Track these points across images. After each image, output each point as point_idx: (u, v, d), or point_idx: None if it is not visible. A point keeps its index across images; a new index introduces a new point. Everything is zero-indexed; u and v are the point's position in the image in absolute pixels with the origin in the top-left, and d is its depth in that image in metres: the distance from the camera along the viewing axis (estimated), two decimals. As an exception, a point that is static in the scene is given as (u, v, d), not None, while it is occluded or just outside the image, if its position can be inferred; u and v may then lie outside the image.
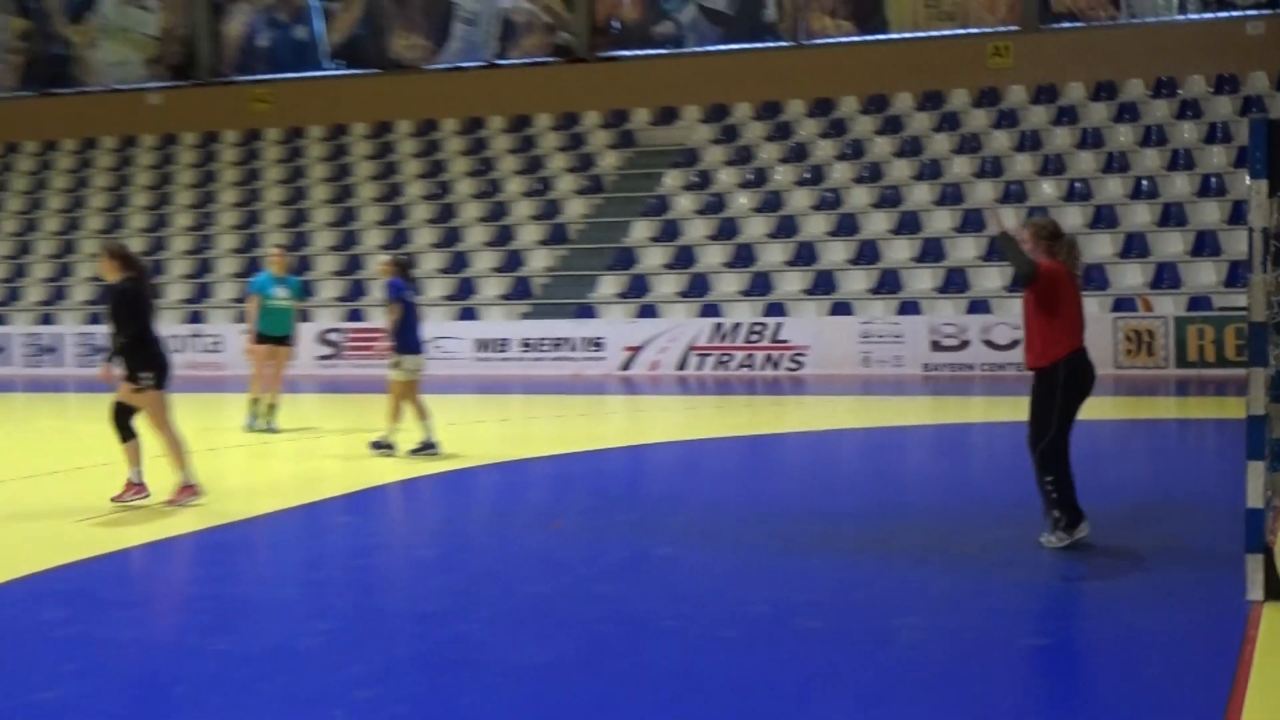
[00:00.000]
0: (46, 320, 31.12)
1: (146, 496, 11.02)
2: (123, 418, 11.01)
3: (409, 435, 14.03)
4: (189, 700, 6.51)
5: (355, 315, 28.17)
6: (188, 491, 11.04)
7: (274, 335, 16.82)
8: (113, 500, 10.98)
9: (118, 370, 10.83)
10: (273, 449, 15.53)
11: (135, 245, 32.33)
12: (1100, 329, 22.89)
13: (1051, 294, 8.58)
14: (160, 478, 11.17)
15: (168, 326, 28.70)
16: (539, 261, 29.36)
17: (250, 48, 36.98)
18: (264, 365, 16.89)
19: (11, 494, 11.64)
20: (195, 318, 29.80)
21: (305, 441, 16.08)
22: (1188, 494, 11.56)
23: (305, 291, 17.65)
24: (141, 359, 10.82)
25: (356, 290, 29.18)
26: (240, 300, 26.53)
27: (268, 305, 16.80)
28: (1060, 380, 8.61)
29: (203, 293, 30.87)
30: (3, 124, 38.17)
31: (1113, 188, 27.31)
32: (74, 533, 10.39)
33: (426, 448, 13.81)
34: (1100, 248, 25.77)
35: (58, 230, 34.49)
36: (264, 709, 6.30)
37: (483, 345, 26.70)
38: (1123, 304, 24.35)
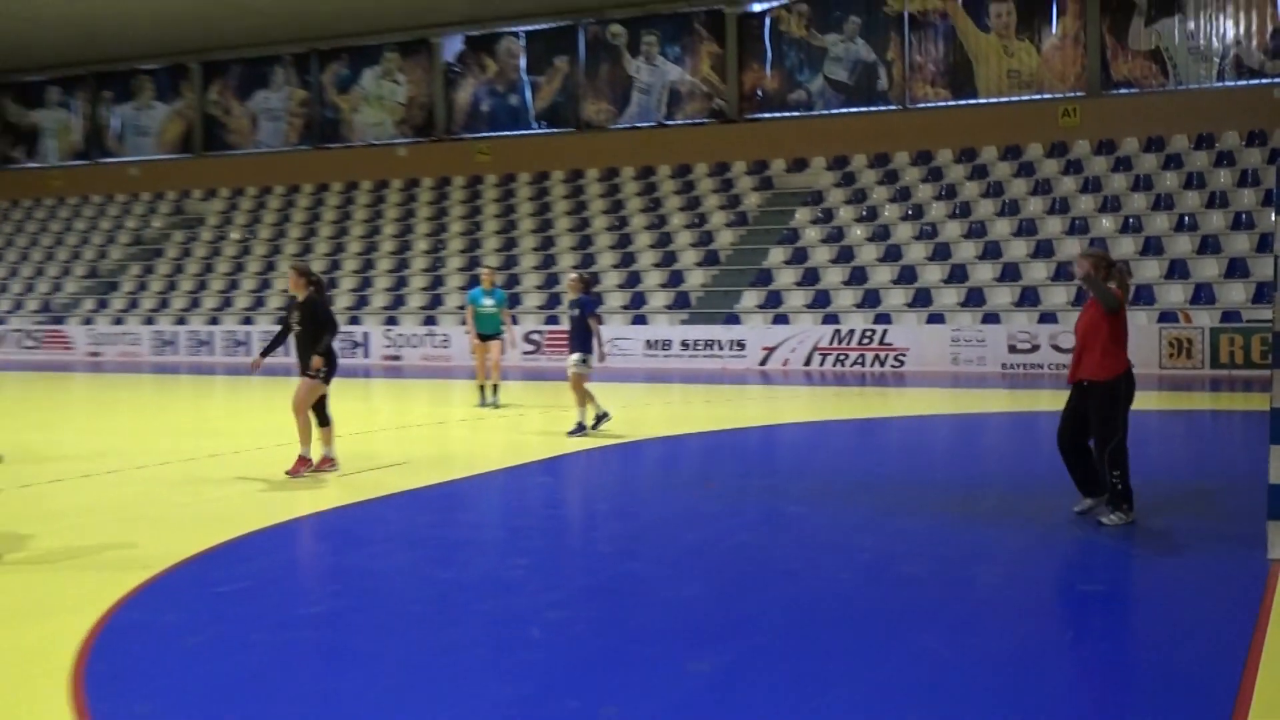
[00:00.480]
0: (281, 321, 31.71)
1: (335, 468, 11.02)
2: (320, 407, 10.99)
3: (572, 416, 14.12)
4: (421, 615, 6.63)
5: (552, 320, 28.41)
6: (303, 464, 10.89)
7: (484, 334, 17.42)
8: (310, 472, 10.92)
9: (316, 362, 10.70)
10: (486, 423, 15.75)
11: (384, 266, 33.03)
12: (1148, 337, 22.63)
13: (1120, 318, 8.38)
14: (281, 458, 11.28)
15: (408, 327, 29.28)
16: (696, 279, 29.41)
17: (475, 111, 37.47)
18: (482, 357, 17.52)
19: (282, 456, 11.84)
20: (430, 321, 30.29)
21: (513, 418, 16.22)
22: (1221, 473, 11.27)
23: (508, 301, 17.90)
24: (329, 358, 10.81)
25: (553, 300, 29.46)
26: (462, 308, 26.89)
27: (479, 312, 17.49)
28: (1121, 391, 8.39)
29: (436, 302, 31.38)
30: (286, 171, 39.18)
31: (1159, 223, 26.78)
32: (328, 488, 10.61)
33: (590, 425, 13.83)
34: (1149, 271, 25.35)
35: (327, 253, 35.26)
36: (478, 624, 6.40)
37: (650, 345, 26.86)
38: (1166, 316, 23.85)
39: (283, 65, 40.03)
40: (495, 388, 17.61)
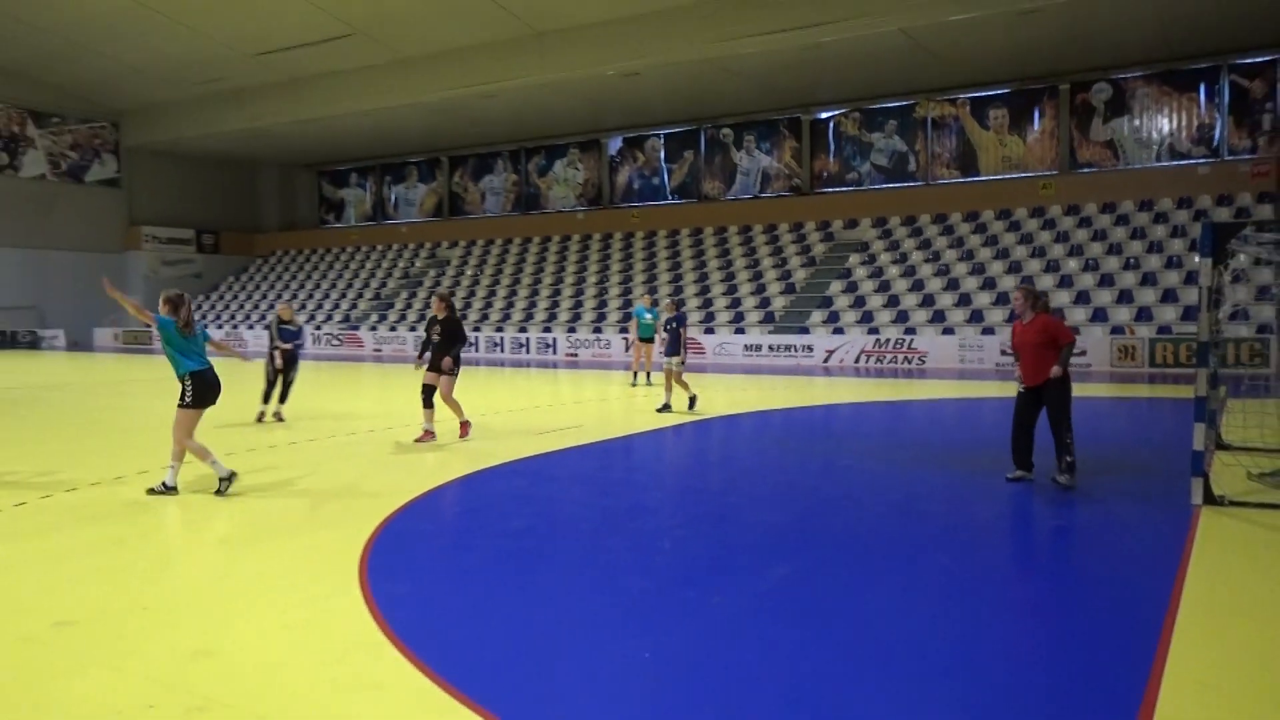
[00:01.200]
0: (499, 329, 32.32)
1: (434, 439, 10.55)
2: (428, 394, 10.67)
3: (662, 397, 14.04)
4: (588, 531, 6.67)
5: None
6: (466, 427, 10.74)
7: (644, 338, 18.16)
8: (416, 441, 10.55)
9: (446, 363, 10.51)
10: (633, 400, 15.75)
11: (567, 294, 33.29)
12: (1102, 345, 21.81)
13: (1054, 328, 7.84)
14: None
15: (583, 334, 29.49)
16: (779, 303, 29.11)
17: (629, 188, 37.64)
18: (639, 353, 18.43)
19: (494, 422, 12.04)
20: (597, 330, 30.53)
21: (652, 397, 16.26)
22: (1156, 442, 10.76)
23: (656, 316, 18.22)
24: (455, 360, 10.56)
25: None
26: (625, 320, 27.07)
27: (640, 322, 18.11)
28: (1068, 385, 7.78)
29: (600, 318, 31.60)
30: (502, 230, 39.85)
31: (1112, 263, 25.65)
32: (521, 441, 10.75)
33: (687, 407, 13.57)
34: (1104, 298, 24.38)
35: (529, 284, 35.77)
36: (625, 536, 6.43)
37: (747, 348, 26.64)
38: (1116, 330, 22.86)
39: (502, 158, 40.73)
40: (649, 374, 18.43)
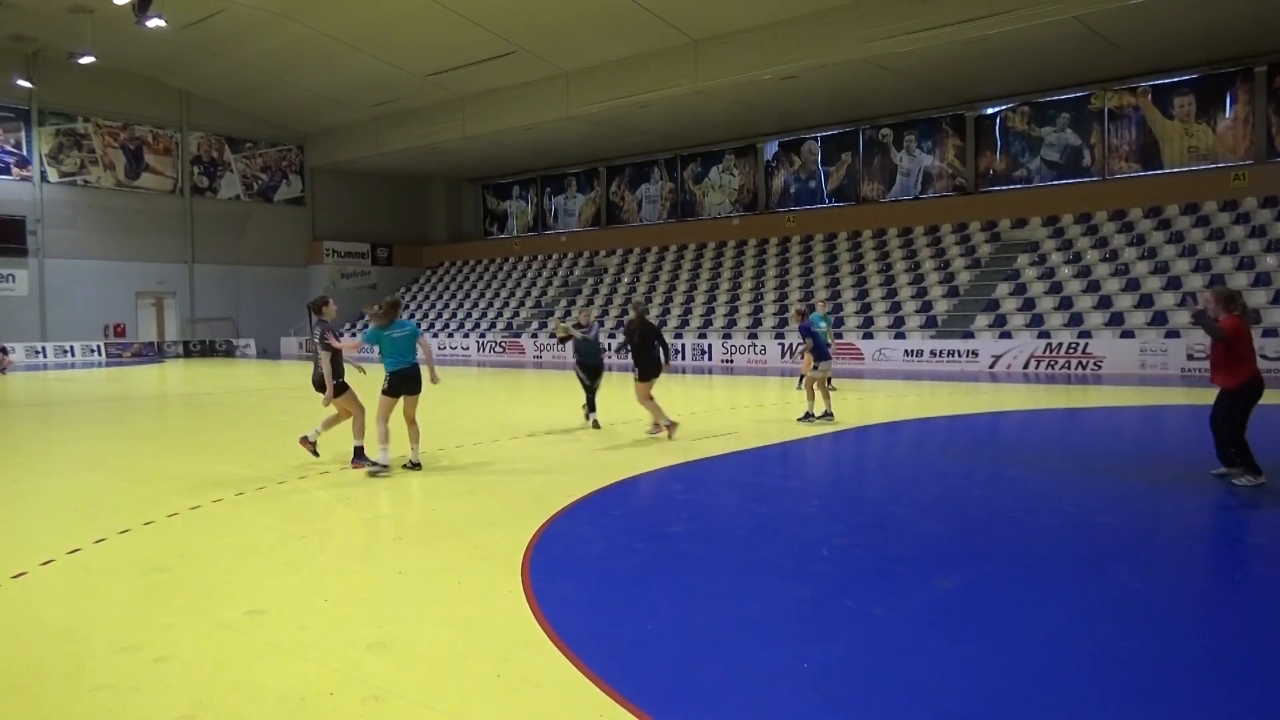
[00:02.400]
0: (702, 335, 32.50)
1: (660, 433, 11.44)
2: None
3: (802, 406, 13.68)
4: (744, 537, 6.63)
5: (836, 337, 27.81)
6: (657, 428, 11.39)
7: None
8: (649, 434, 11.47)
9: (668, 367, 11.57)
10: (789, 411, 15.54)
11: (722, 299, 33.25)
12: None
13: (1235, 341, 7.71)
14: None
15: (738, 339, 29.38)
16: (942, 307, 28.14)
17: (785, 192, 37.27)
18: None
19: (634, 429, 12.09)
20: (753, 336, 30.37)
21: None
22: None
23: (838, 323, 17.71)
24: (646, 365, 11.40)
25: (836, 323, 28.84)
26: (782, 326, 26.77)
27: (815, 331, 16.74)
28: (1242, 397, 7.80)
29: (757, 323, 31.40)
30: (659, 237, 40.18)
31: (1317, 260, 23.45)
32: (678, 448, 10.76)
33: (825, 416, 12.98)
34: (1307, 297, 22.25)
35: (685, 290, 35.90)
36: (786, 544, 6.37)
37: (908, 353, 25.89)
38: (1323, 333, 20.88)
39: (658, 166, 41.12)
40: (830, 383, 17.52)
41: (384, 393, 9.07)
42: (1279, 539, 6.46)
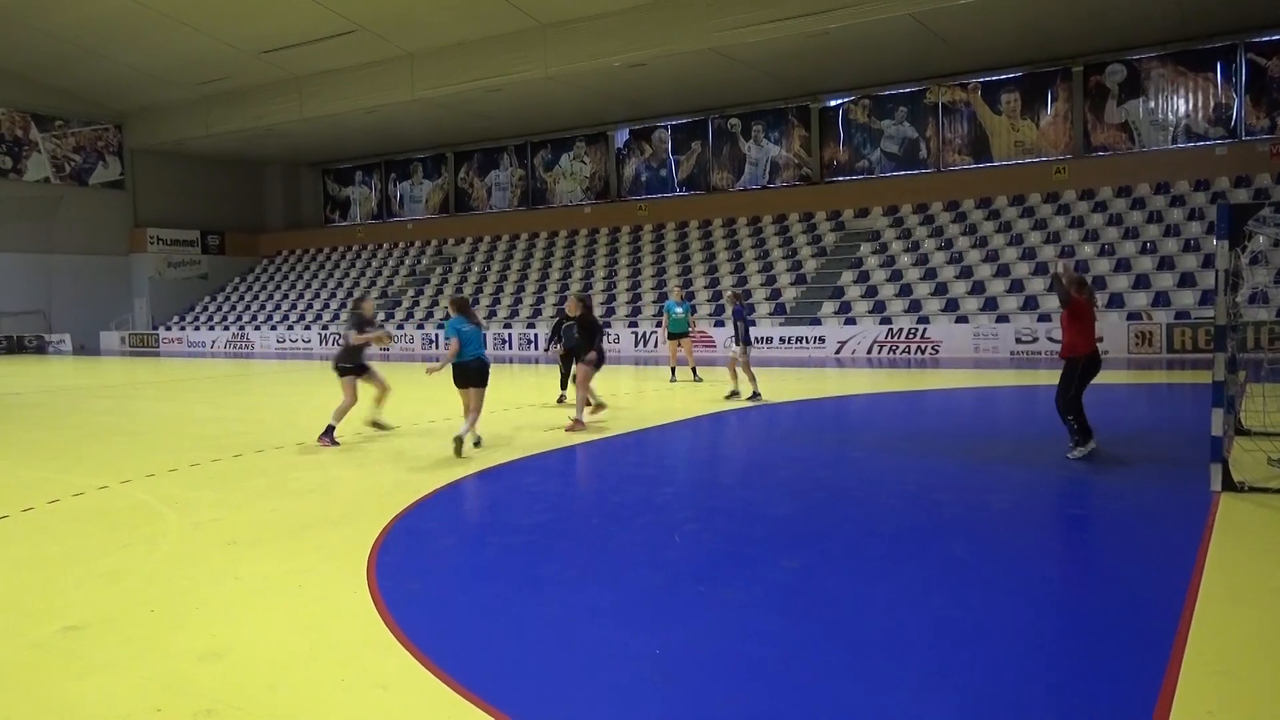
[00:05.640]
0: (506, 326, 32.30)
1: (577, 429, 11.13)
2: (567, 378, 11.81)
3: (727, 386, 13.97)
4: (598, 528, 6.69)
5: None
6: (578, 425, 11.04)
7: (674, 333, 17.58)
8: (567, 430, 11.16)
9: (591, 356, 11.30)
10: (642, 400, 15.73)
11: (575, 290, 33.27)
12: (1119, 331, 21.73)
13: (1076, 315, 8.42)
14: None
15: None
16: (790, 294, 29.03)
17: (637, 180, 37.60)
18: (674, 351, 18.07)
19: (513, 418, 12.05)
20: (606, 325, 30.49)
21: (679, 392, 16.24)
22: (1174, 429, 10.69)
23: (690, 310, 18.19)
24: (591, 352, 11.30)
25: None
26: (648, 316, 27.01)
27: (671, 317, 17.52)
28: (1079, 366, 8.42)
29: (609, 312, 31.57)
30: (509, 225, 39.83)
31: (1129, 248, 25.47)
32: (535, 437, 10.73)
33: (751, 396, 14.10)
34: (1120, 284, 24.23)
35: (537, 280, 35.72)
36: (636, 532, 6.43)
37: (758, 340, 26.29)
38: (1133, 316, 22.71)
39: (507, 153, 40.71)
40: (694, 370, 17.84)
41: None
42: (1099, 508, 7.00)
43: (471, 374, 9.81)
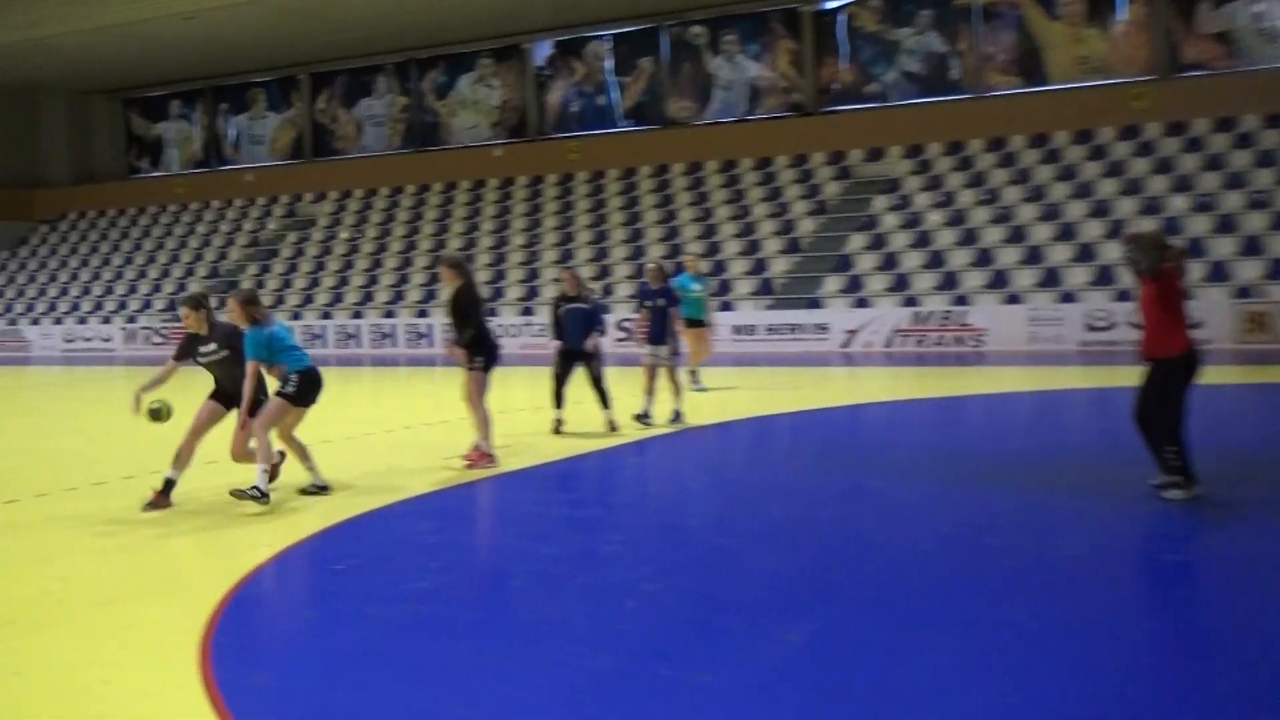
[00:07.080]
0: (389, 315, 32.09)
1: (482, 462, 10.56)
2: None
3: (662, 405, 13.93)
4: (520, 590, 6.66)
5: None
6: (484, 459, 10.47)
7: (688, 320, 16.00)
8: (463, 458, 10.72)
9: (459, 354, 10.62)
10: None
11: (484, 261, 33.28)
12: (1223, 312, 22.33)
13: (1166, 295, 7.99)
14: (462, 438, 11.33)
15: (507, 318, 29.44)
16: (779, 266, 29.28)
17: (565, 112, 37.63)
18: (694, 346, 17.04)
19: (396, 440, 11.98)
20: (527, 311, 30.47)
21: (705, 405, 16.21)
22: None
23: (706, 286, 17.57)
24: (476, 348, 10.56)
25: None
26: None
27: (688, 297, 16.16)
28: (1175, 372, 8.00)
29: (532, 293, 31.56)
30: (390, 174, 39.64)
31: (1233, 200, 26.08)
32: (432, 468, 10.67)
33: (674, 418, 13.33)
34: (1223, 249, 24.89)
35: (429, 249, 35.58)
36: (575, 597, 6.42)
37: (737, 330, 26.76)
38: (1242, 292, 23.33)
39: (384, 74, 40.50)
40: (694, 373, 17.02)
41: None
42: (1212, 555, 7.13)
43: (320, 385, 9.64)
